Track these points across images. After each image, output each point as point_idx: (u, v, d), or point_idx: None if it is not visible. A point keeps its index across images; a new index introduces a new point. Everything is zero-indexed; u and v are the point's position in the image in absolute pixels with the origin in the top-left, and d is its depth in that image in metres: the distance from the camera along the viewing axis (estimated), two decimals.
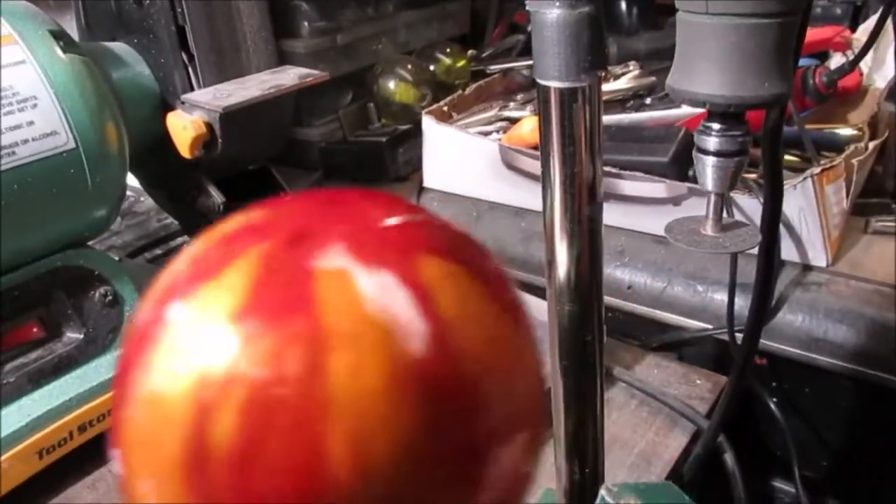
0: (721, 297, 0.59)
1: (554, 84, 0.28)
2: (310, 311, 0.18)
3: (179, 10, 0.53)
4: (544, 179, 0.31)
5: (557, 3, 0.26)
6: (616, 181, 0.61)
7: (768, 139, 0.34)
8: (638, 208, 0.62)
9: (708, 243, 0.29)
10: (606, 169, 0.60)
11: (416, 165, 0.77)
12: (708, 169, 0.27)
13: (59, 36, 0.48)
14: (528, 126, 0.65)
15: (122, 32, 0.57)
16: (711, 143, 0.26)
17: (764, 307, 0.43)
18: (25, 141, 0.45)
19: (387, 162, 0.75)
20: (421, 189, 0.75)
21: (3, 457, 0.47)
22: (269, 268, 0.19)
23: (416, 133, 0.77)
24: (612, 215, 0.63)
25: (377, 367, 0.17)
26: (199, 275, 0.20)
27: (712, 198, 0.29)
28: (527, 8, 0.27)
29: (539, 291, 0.64)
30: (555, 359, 0.35)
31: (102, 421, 0.52)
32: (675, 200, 0.58)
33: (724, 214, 0.30)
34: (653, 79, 0.76)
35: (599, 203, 0.31)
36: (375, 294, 0.18)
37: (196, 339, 0.18)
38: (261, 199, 0.73)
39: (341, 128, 0.79)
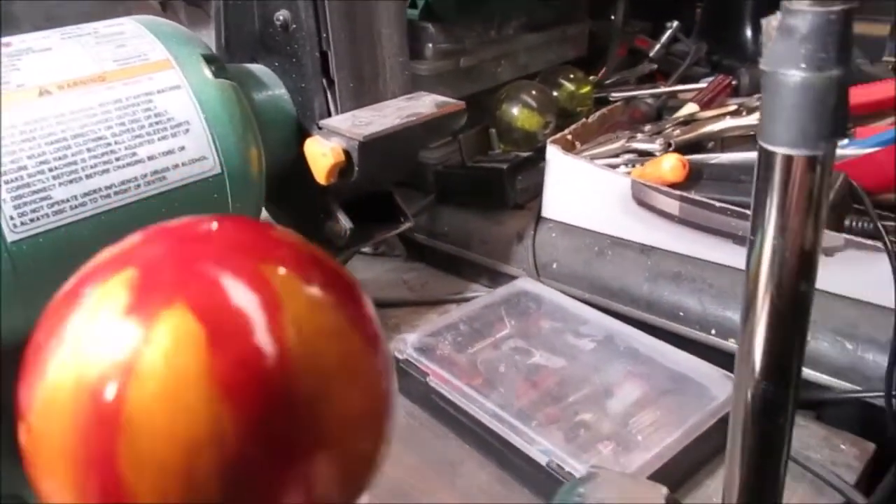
0: (873, 356, 0.54)
1: (784, 151, 0.25)
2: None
3: (324, 35, 0.52)
4: (752, 248, 0.28)
5: (803, 65, 0.24)
6: None
7: None
8: None
9: None
10: None
11: (534, 193, 0.75)
12: None
13: (211, 60, 0.48)
14: (669, 164, 0.62)
15: (263, 54, 0.56)
16: None
17: None
18: (176, 166, 0.45)
19: (507, 189, 0.73)
20: (539, 218, 0.73)
21: None
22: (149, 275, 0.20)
23: (535, 161, 0.75)
24: None
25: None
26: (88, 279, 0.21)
27: None
28: (762, 67, 0.25)
29: (668, 336, 0.61)
30: (735, 438, 0.32)
31: None
32: (829, 251, 0.55)
33: None
34: None
35: (814, 280, 0.28)
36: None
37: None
38: (381, 225, 0.70)
39: (459, 151, 0.77)
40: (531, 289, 0.66)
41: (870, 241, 0.53)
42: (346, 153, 0.52)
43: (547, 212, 0.72)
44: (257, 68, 0.56)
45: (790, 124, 0.25)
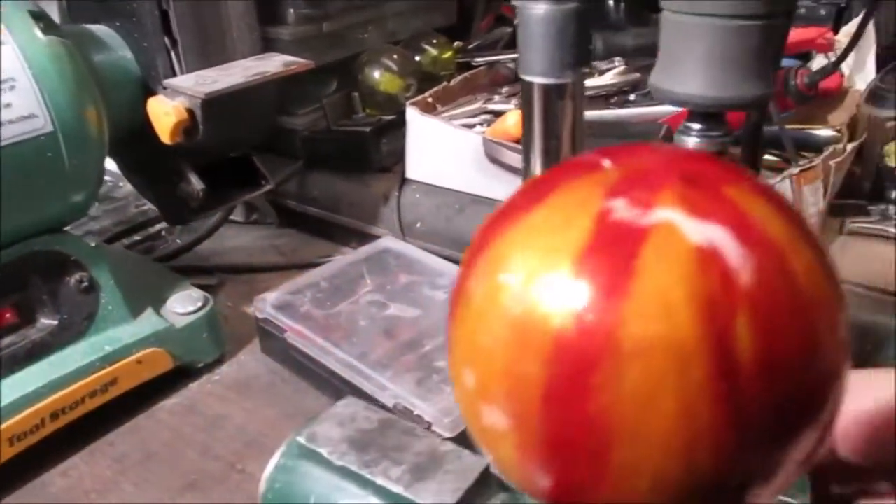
0: None
1: (538, 80, 0.28)
2: None
3: None
4: (525, 175, 0.31)
5: None
6: None
7: (748, 139, 0.34)
8: None
9: None
10: None
11: (399, 156, 0.77)
12: None
13: (39, 17, 0.47)
14: (513, 119, 0.65)
15: (105, 16, 0.56)
16: (691, 143, 0.26)
17: None
18: (2, 124, 0.44)
19: (371, 152, 0.75)
20: (403, 180, 0.75)
21: None
22: None
23: (400, 124, 0.76)
24: None
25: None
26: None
27: None
28: (513, 3, 0.27)
29: None
30: None
31: (76, 408, 0.51)
32: None
33: None
34: (637, 75, 0.77)
35: None
36: None
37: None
38: (242, 188, 0.71)
39: (325, 117, 0.78)
40: (393, 246, 0.68)
41: None
42: (190, 112, 0.52)
43: (410, 173, 0.74)
44: (98, 29, 0.55)
45: (540, 54, 0.27)
